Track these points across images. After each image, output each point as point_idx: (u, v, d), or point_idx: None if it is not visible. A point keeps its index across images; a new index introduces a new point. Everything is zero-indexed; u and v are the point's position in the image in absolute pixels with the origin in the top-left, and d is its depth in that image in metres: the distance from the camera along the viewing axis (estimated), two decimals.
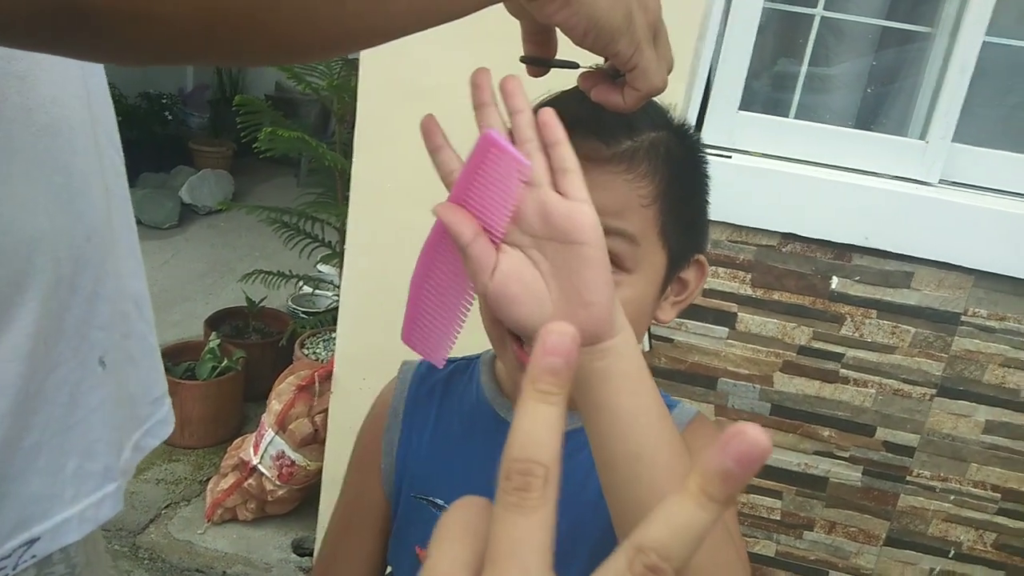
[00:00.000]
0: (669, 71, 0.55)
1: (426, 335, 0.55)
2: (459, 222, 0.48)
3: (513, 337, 0.63)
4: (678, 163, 0.63)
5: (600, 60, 0.56)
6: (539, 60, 0.57)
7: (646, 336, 1.53)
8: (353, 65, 2.14)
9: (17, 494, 0.60)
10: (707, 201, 0.68)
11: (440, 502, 0.72)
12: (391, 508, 0.77)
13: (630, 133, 0.60)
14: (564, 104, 0.61)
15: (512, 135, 0.50)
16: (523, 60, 0.57)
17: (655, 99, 0.60)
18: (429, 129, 0.52)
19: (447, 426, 0.74)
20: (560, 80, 0.60)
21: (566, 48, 0.55)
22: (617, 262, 0.60)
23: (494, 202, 0.48)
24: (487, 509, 0.27)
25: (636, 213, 0.60)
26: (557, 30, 0.53)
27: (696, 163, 0.66)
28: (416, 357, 0.78)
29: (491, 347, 0.77)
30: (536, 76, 0.58)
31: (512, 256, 0.49)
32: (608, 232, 0.59)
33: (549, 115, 0.48)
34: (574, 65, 0.56)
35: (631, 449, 0.48)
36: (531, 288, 0.49)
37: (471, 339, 0.70)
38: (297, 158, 4.13)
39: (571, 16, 0.48)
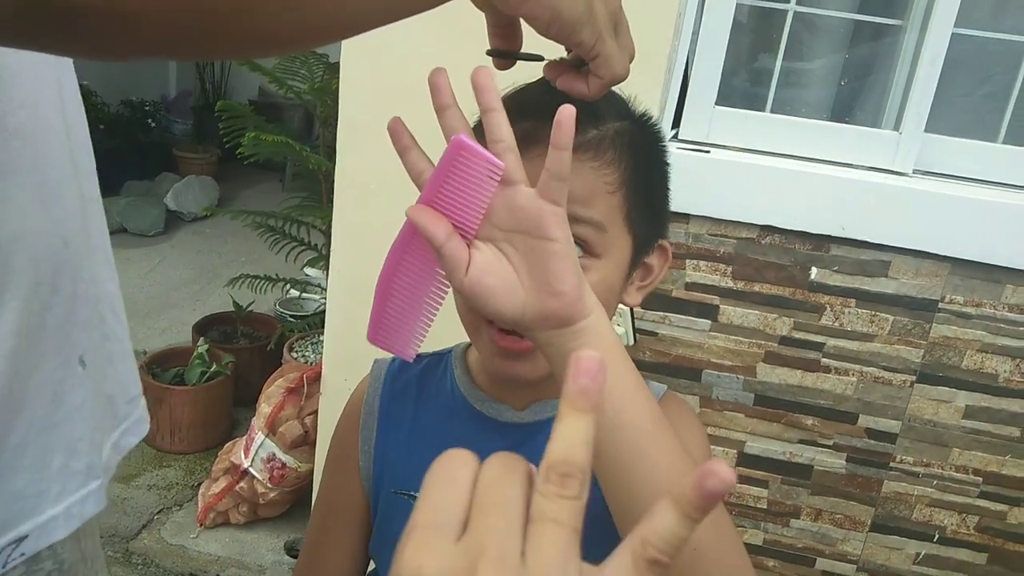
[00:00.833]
0: (631, 60, 0.57)
1: (394, 332, 0.56)
2: (432, 223, 0.50)
3: (488, 323, 0.64)
4: (641, 151, 0.65)
5: (564, 54, 0.58)
6: (505, 53, 0.58)
7: (631, 329, 1.55)
8: (335, 68, 2.15)
9: (3, 492, 0.61)
10: (668, 188, 0.70)
11: None
12: (371, 504, 0.78)
13: (596, 122, 0.62)
14: (530, 95, 0.63)
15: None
16: (490, 53, 0.59)
17: (617, 91, 0.61)
18: (397, 131, 0.53)
19: (424, 421, 0.76)
20: (526, 73, 0.61)
21: (531, 41, 0.57)
22: (586, 248, 0.62)
23: (467, 203, 0.50)
24: (470, 460, 0.31)
25: (603, 200, 0.62)
26: (522, 23, 0.55)
27: (658, 151, 0.69)
28: (388, 355, 0.80)
29: (459, 342, 0.79)
30: (503, 69, 0.60)
31: (484, 251, 0.51)
32: (577, 220, 0.61)
33: (567, 116, 0.49)
34: (539, 58, 0.58)
35: (615, 420, 0.50)
36: (505, 280, 0.51)
37: (440, 328, 0.71)
38: (282, 162, 4.13)
39: (535, 7, 0.50)
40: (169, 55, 0.46)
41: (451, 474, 0.31)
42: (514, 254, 0.51)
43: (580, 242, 0.62)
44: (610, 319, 0.67)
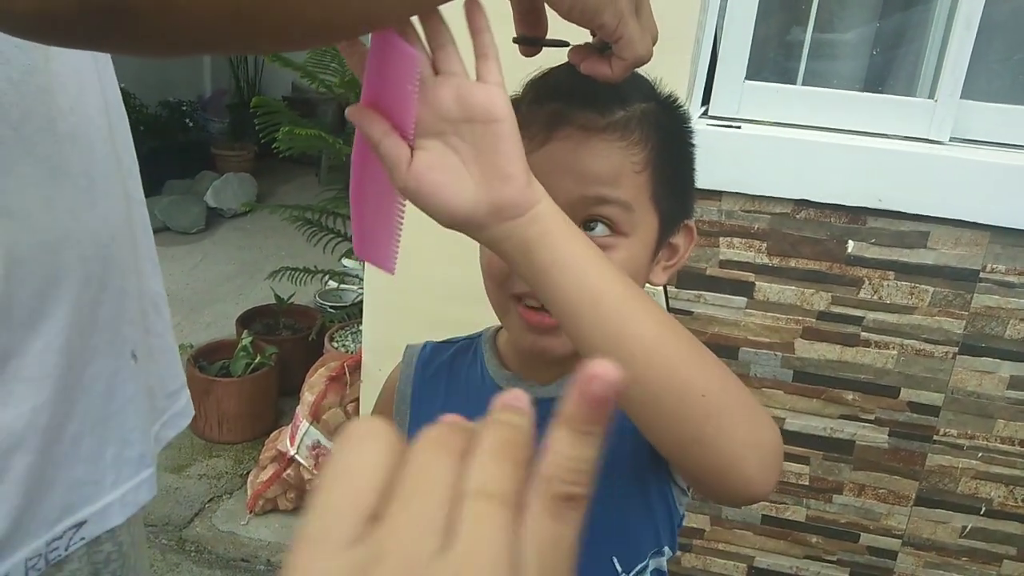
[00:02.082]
0: (654, 41, 0.57)
1: (375, 245, 0.56)
2: (369, 122, 0.50)
3: (517, 300, 0.66)
4: (667, 132, 0.66)
5: (589, 40, 0.59)
6: (531, 40, 0.59)
7: (665, 309, 1.56)
8: None
9: (63, 480, 0.64)
10: (694, 169, 0.71)
11: None
12: None
13: (622, 104, 0.63)
14: (555, 78, 0.64)
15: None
16: (516, 41, 0.60)
17: (643, 73, 0.62)
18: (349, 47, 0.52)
19: (455, 405, 0.77)
20: (553, 59, 0.62)
21: (555, 26, 0.58)
22: (613, 227, 0.63)
23: (398, 98, 0.49)
24: (379, 437, 0.26)
25: (629, 179, 0.63)
26: (547, 10, 0.56)
27: (683, 132, 0.69)
28: (419, 341, 0.81)
29: (487, 328, 0.80)
30: (529, 56, 0.61)
31: (430, 148, 0.51)
32: (604, 201, 0.62)
33: (475, 3, 0.50)
34: (564, 44, 0.59)
35: (590, 292, 0.51)
36: (451, 174, 0.51)
37: (472, 313, 0.73)
38: (317, 156, 4.18)
39: None
40: (220, 47, 0.48)
41: (347, 463, 0.25)
42: (462, 146, 0.51)
43: (607, 221, 0.63)
44: None
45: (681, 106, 0.70)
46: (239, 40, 0.47)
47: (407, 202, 0.53)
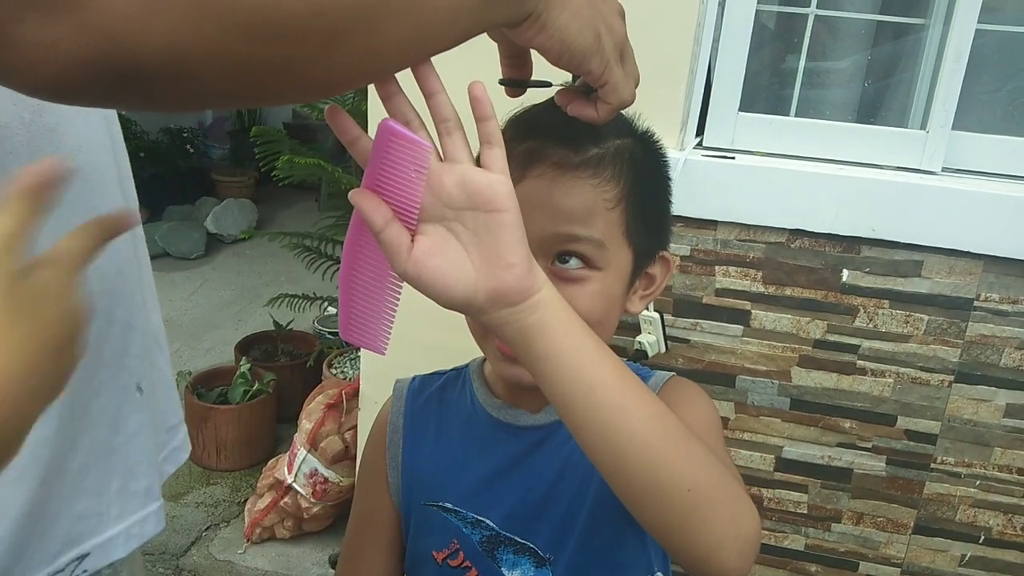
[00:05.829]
0: (636, 85, 0.59)
1: (363, 327, 0.56)
2: (372, 209, 0.50)
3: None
4: (642, 167, 0.67)
5: (570, 78, 0.61)
6: (517, 82, 0.61)
7: (662, 337, 1.56)
8: (364, 91, 2.20)
9: (67, 512, 0.64)
10: (670, 202, 0.73)
11: (449, 505, 0.76)
12: (403, 520, 0.80)
13: (597, 141, 0.65)
14: (535, 116, 0.66)
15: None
16: (502, 83, 0.62)
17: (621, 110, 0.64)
18: (342, 124, 0.53)
19: (447, 433, 0.79)
20: (535, 99, 0.64)
21: (541, 68, 0.60)
22: (586, 262, 0.65)
23: (404, 186, 0.50)
24: None
25: (602, 216, 0.64)
26: (533, 53, 0.58)
27: (659, 167, 0.71)
28: (407, 374, 0.83)
29: (473, 359, 0.81)
30: (514, 97, 0.62)
31: (432, 234, 0.51)
32: (578, 239, 0.64)
33: (479, 90, 0.51)
34: (547, 84, 0.61)
35: (584, 384, 0.51)
36: (453, 260, 0.51)
37: (468, 341, 0.74)
38: (317, 183, 4.20)
39: (547, 40, 0.52)
40: (227, 106, 0.49)
41: None
42: (464, 232, 0.51)
43: (580, 257, 0.65)
44: (612, 328, 0.69)
45: (657, 141, 0.71)
46: (245, 99, 0.48)
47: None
